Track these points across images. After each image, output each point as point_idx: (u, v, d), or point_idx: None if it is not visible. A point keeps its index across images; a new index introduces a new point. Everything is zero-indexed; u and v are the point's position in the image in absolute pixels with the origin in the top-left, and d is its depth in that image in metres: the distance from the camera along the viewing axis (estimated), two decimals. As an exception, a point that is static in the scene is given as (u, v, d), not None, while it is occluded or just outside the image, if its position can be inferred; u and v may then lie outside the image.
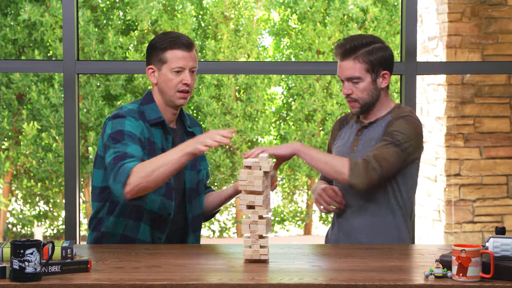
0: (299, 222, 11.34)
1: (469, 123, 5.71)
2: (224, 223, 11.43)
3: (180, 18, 10.33)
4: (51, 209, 10.88)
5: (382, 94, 3.07)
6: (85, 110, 9.95)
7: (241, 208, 2.59)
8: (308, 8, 10.50)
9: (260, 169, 2.57)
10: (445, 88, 5.75)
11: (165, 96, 2.98)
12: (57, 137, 9.85)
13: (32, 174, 10.37)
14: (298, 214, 11.27)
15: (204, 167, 3.15)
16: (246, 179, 2.57)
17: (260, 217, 2.58)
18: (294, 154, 2.93)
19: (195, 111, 10.47)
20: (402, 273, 2.48)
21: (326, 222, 11.11)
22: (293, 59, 10.76)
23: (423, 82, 6.12)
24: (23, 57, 10.20)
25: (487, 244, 2.37)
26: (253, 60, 10.34)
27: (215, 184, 10.36)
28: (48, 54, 10.19)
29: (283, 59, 10.93)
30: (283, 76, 10.71)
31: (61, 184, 10.42)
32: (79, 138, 3.96)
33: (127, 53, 10.08)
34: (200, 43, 10.55)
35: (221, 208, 3.24)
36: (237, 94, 10.56)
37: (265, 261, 2.60)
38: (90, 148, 10.25)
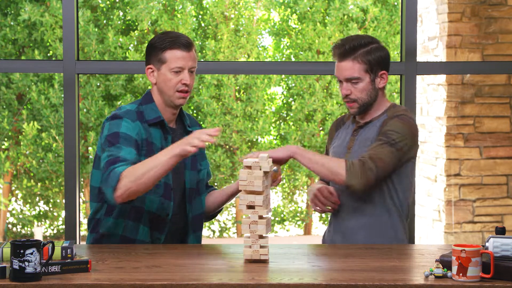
0: (299, 222, 11.35)
1: (469, 123, 5.71)
2: (224, 223, 11.43)
3: (180, 18, 10.33)
4: (51, 209, 10.88)
5: (379, 94, 3.08)
6: (85, 110, 9.95)
7: (241, 208, 2.59)
8: (308, 8, 10.50)
9: (260, 169, 2.57)
10: (445, 88, 5.75)
11: (164, 96, 2.98)
12: (57, 137, 9.85)
13: (32, 174, 10.37)
14: (298, 214, 11.27)
15: (204, 166, 3.15)
16: (246, 179, 2.57)
17: (260, 217, 2.58)
18: (291, 157, 2.94)
19: (195, 111, 10.48)
20: (402, 273, 2.48)
21: (326, 222, 11.11)
22: (293, 59, 10.76)
23: (423, 82, 6.12)
24: (23, 57, 10.20)
25: (487, 244, 2.37)
26: (253, 60, 10.34)
27: (215, 184, 10.36)
28: (48, 54, 10.19)
29: (283, 59, 10.93)
30: (283, 76, 10.71)
31: (61, 184, 10.42)
32: (79, 138, 3.96)
33: (127, 53, 10.08)
34: (200, 43, 10.55)
35: (224, 206, 3.24)
36: (237, 94, 10.56)
37: (265, 261, 2.60)
38: (90, 148, 10.25)
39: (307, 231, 11.43)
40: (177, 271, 2.46)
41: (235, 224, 11.38)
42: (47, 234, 10.95)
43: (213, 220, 10.83)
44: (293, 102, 10.85)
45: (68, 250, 2.47)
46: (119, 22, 10.40)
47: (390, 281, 2.33)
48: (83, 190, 10.65)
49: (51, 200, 10.80)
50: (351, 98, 3.05)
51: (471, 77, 5.69)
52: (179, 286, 2.30)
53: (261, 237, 2.58)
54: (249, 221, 2.58)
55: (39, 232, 10.75)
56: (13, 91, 10.03)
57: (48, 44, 10.13)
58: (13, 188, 10.68)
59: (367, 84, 3.03)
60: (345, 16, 10.47)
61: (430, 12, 5.98)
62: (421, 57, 6.06)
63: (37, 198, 10.83)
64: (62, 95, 9.56)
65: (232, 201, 3.17)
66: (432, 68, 4.26)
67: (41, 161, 10.08)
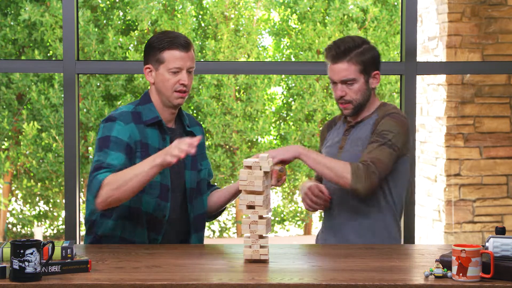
0: (299, 222, 11.35)
1: (469, 123, 5.71)
2: (224, 223, 11.43)
3: (180, 18, 10.33)
4: (51, 209, 10.89)
5: (372, 94, 3.09)
6: (85, 110, 9.95)
7: (241, 208, 2.59)
8: (308, 8, 10.50)
9: (260, 169, 2.57)
10: (445, 88, 5.75)
11: (162, 96, 2.98)
12: (57, 137, 9.85)
13: (32, 174, 10.37)
14: (298, 214, 11.27)
15: (205, 166, 3.15)
16: (246, 179, 2.57)
17: (260, 217, 2.58)
18: (296, 158, 2.93)
19: (195, 111, 10.48)
20: (402, 273, 2.48)
21: (326, 222, 11.10)
22: (293, 59, 10.76)
23: (423, 82, 6.11)
24: (23, 57, 10.20)
25: (487, 244, 2.37)
26: (253, 60, 10.34)
27: (215, 184, 10.36)
28: (48, 54, 10.20)
29: (283, 59, 10.93)
30: (283, 76, 10.71)
31: (61, 184, 10.42)
32: (79, 138, 3.96)
33: (127, 53, 10.08)
34: (200, 43, 10.55)
35: (228, 205, 3.23)
36: (237, 94, 10.57)
37: (265, 261, 2.60)
38: (90, 148, 10.25)
39: (307, 231, 11.43)
40: (177, 271, 2.46)
41: (235, 224, 11.38)
42: (47, 234, 10.95)
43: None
44: (293, 102, 10.85)
45: (68, 250, 2.47)
46: (119, 22, 10.40)
47: (390, 281, 2.33)
48: (83, 190, 10.65)
49: (51, 200, 10.80)
50: (346, 99, 3.05)
51: (471, 77, 5.69)
52: (179, 286, 2.30)
53: (261, 237, 2.58)
54: (249, 221, 2.58)
55: (39, 232, 10.75)
56: (13, 91, 10.03)
57: (48, 44, 10.13)
58: (13, 188, 10.68)
59: (361, 85, 3.04)
60: (345, 16, 10.47)
61: (430, 12, 5.98)
62: (421, 57, 6.06)
63: (37, 198, 10.83)
64: (62, 95, 9.56)
65: (232, 201, 3.16)
66: (432, 68, 4.26)
67: (41, 161, 10.08)
